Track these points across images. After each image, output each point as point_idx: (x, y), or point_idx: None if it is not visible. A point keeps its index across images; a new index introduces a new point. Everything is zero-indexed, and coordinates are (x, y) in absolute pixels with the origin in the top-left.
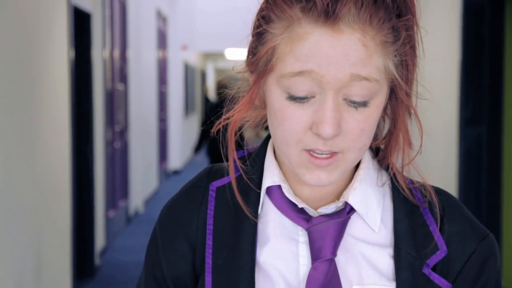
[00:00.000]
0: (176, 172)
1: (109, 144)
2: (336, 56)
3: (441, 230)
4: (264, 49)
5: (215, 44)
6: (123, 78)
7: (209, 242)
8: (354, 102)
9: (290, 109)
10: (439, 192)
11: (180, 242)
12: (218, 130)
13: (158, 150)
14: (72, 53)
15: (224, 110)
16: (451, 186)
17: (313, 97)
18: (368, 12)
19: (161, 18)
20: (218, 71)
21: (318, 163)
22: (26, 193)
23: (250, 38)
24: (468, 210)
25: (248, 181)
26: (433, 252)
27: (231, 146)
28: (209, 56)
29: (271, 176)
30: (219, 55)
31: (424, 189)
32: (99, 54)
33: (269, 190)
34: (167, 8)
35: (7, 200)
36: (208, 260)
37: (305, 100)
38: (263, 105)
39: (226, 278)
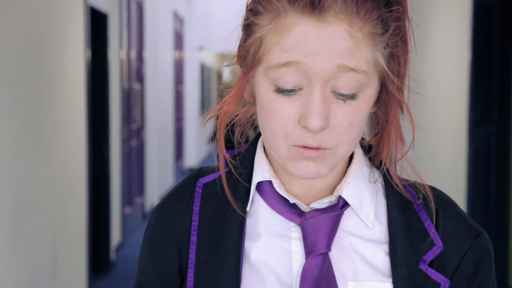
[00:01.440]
0: (191, 170)
1: (125, 142)
2: (323, 47)
3: (436, 226)
4: (251, 40)
5: (231, 45)
6: (140, 78)
7: (194, 238)
8: (342, 95)
9: (277, 101)
10: (433, 189)
11: (167, 245)
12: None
13: (174, 148)
14: (89, 53)
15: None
16: (460, 186)
17: (301, 89)
18: (355, 3)
19: (178, 20)
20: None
21: (307, 154)
22: (43, 189)
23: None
24: (478, 209)
25: (237, 176)
26: (429, 248)
27: (221, 138)
28: (225, 57)
29: (261, 172)
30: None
31: (418, 186)
32: (115, 54)
33: (259, 187)
34: (184, 9)
35: (24, 197)
36: (192, 256)
37: (293, 92)
38: (253, 99)
39: (209, 274)
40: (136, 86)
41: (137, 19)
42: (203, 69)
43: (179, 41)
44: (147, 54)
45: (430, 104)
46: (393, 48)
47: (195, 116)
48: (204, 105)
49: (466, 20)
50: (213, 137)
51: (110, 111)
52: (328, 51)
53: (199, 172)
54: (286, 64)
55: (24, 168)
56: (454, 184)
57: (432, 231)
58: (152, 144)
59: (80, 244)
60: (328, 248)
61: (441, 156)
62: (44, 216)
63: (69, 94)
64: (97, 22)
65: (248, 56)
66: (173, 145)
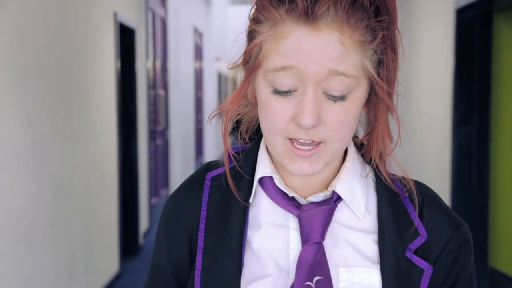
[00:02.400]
0: None
1: (152, 141)
2: (315, 53)
3: (421, 217)
4: (252, 45)
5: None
6: (164, 85)
7: (202, 226)
8: (332, 96)
9: (275, 101)
10: (418, 183)
11: (179, 230)
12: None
13: (195, 146)
14: (119, 64)
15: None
16: (445, 178)
17: (295, 90)
18: (345, 12)
19: (198, 34)
20: None
21: (301, 154)
22: (79, 183)
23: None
24: (461, 199)
25: (240, 170)
26: (415, 237)
27: (225, 134)
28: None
29: (263, 168)
30: None
31: (403, 181)
32: (142, 65)
33: (261, 181)
34: (203, 25)
35: (63, 190)
36: (200, 242)
37: (288, 93)
38: (255, 100)
39: (215, 258)
40: (161, 92)
41: (161, 34)
42: (220, 77)
43: (198, 53)
44: (171, 64)
45: (419, 106)
46: (382, 55)
47: (213, 118)
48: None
49: (450, 31)
50: (233, 131)
51: (138, 114)
52: (320, 56)
53: (208, 166)
54: (282, 68)
55: (64, 165)
56: (440, 176)
57: (417, 222)
58: (176, 143)
59: (113, 230)
60: (322, 237)
61: (428, 151)
62: (81, 206)
63: (102, 100)
64: (126, 36)
65: (250, 60)
66: (194, 143)
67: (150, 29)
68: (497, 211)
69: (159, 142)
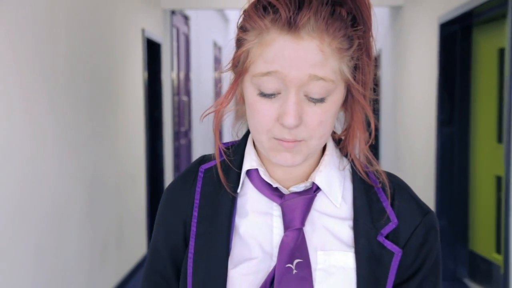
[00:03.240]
0: None
1: (176, 140)
2: (297, 59)
3: (392, 205)
4: (240, 52)
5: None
6: (187, 92)
7: (195, 213)
8: (313, 98)
9: (260, 103)
10: (390, 175)
11: (175, 218)
12: None
13: (214, 145)
14: (146, 75)
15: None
16: (431, 172)
17: (279, 93)
18: (325, 22)
19: (217, 48)
20: None
21: (285, 146)
22: (111, 178)
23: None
24: (444, 189)
25: (230, 164)
26: (386, 223)
27: (217, 133)
28: None
29: (250, 161)
30: None
31: (376, 174)
32: (168, 75)
33: (249, 173)
34: (222, 40)
35: (97, 185)
36: (193, 228)
37: (273, 96)
38: (243, 100)
39: (205, 243)
40: (184, 98)
41: (184, 48)
42: None
43: (218, 64)
44: (193, 74)
45: (408, 109)
46: (358, 61)
47: (230, 121)
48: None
49: (434, 43)
50: None
51: (163, 117)
52: (301, 63)
53: (202, 159)
54: (267, 73)
55: (97, 162)
56: (426, 170)
57: (389, 210)
58: (197, 142)
59: (141, 219)
60: (302, 224)
61: (416, 148)
62: (113, 198)
63: (132, 105)
64: (153, 50)
65: (238, 65)
66: (213, 143)
67: (175, 44)
68: (476, 201)
69: (182, 141)
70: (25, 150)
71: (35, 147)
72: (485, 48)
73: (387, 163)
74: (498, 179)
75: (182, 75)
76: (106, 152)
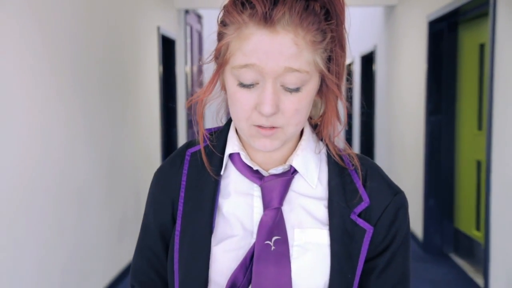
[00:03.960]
0: None
1: (190, 128)
2: (273, 52)
3: (364, 186)
4: (220, 45)
5: None
6: (200, 84)
7: (182, 194)
8: (288, 88)
9: (240, 93)
10: (363, 158)
11: (164, 197)
12: None
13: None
14: (161, 69)
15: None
16: (420, 156)
17: (257, 83)
18: (299, 17)
19: None
20: None
21: (263, 133)
22: (129, 161)
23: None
24: (432, 172)
25: (213, 148)
26: (359, 203)
27: (200, 120)
28: None
29: (232, 145)
30: None
31: (350, 157)
32: (181, 69)
33: (231, 156)
34: None
35: (116, 166)
36: (180, 207)
37: (251, 86)
38: (225, 89)
39: (191, 221)
40: (197, 89)
41: (197, 44)
42: None
43: None
44: (205, 68)
45: (400, 99)
46: (331, 53)
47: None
48: None
49: (424, 40)
50: None
51: (177, 107)
52: (277, 56)
53: (188, 144)
54: (245, 65)
55: (117, 146)
56: (416, 155)
57: (361, 190)
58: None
59: None
60: (281, 204)
61: (407, 135)
62: (130, 179)
63: (148, 96)
64: (168, 46)
65: (219, 56)
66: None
67: (188, 40)
68: (460, 183)
69: (195, 128)
70: (54, 135)
71: (63, 133)
72: (469, 43)
73: (381, 149)
74: (478, 163)
75: (195, 68)
76: (125, 137)
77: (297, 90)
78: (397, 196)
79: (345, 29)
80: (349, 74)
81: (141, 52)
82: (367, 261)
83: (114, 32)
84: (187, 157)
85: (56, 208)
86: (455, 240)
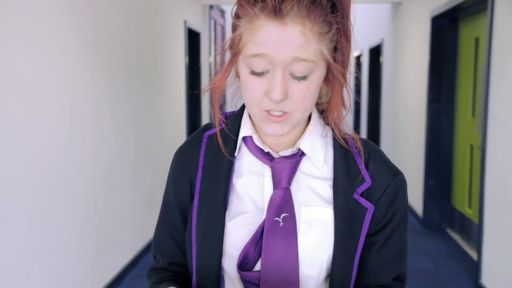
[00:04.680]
0: None
1: (212, 113)
2: (282, 43)
3: (366, 168)
4: (234, 35)
5: None
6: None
7: (199, 173)
8: (296, 76)
9: (252, 80)
10: (366, 141)
11: (183, 176)
12: None
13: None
14: (187, 59)
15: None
16: (421, 140)
17: (268, 72)
18: (307, 10)
19: None
20: None
21: (273, 119)
22: (156, 143)
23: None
24: (432, 155)
25: (228, 131)
26: (361, 183)
27: (216, 105)
28: None
29: (245, 129)
30: None
31: (354, 140)
32: (206, 59)
33: (245, 139)
34: None
35: (145, 148)
36: (197, 186)
37: (262, 74)
38: (239, 77)
39: (208, 198)
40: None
41: (220, 36)
42: None
43: None
44: (226, 58)
45: (404, 89)
46: (337, 43)
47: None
48: None
49: (427, 34)
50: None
51: (201, 94)
52: (285, 46)
53: (206, 127)
54: (257, 55)
55: (146, 130)
56: (418, 139)
57: (364, 171)
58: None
59: None
60: (289, 183)
61: (411, 121)
62: (158, 159)
63: (175, 84)
64: (193, 38)
65: (233, 47)
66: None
67: (212, 33)
68: (456, 165)
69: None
70: (90, 120)
71: (98, 118)
72: (468, 37)
73: (386, 134)
74: (471, 147)
75: (218, 58)
76: (153, 121)
77: (304, 78)
78: (397, 177)
79: (350, 21)
80: (358, 65)
81: (169, 44)
82: (368, 237)
83: (146, 26)
84: (205, 139)
85: (92, 184)
86: (451, 217)
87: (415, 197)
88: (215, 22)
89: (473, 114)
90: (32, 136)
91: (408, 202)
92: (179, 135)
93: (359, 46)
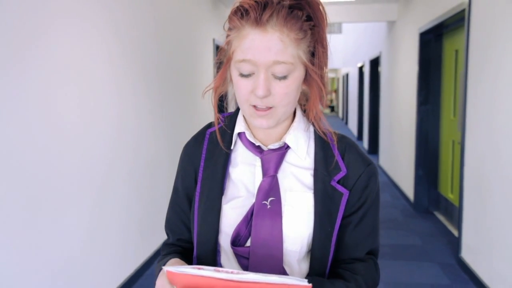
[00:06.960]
0: None
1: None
2: (264, 49)
3: (343, 158)
4: (225, 43)
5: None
6: None
7: (202, 163)
8: (278, 76)
9: (241, 81)
10: (343, 136)
11: (189, 166)
12: None
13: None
14: (215, 71)
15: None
16: (412, 138)
17: (253, 73)
18: (284, 19)
19: None
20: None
21: (259, 113)
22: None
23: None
24: (421, 149)
25: (225, 128)
26: (338, 172)
27: (215, 106)
28: None
29: (239, 126)
30: None
31: (332, 135)
32: None
33: (239, 135)
34: None
35: (179, 146)
36: (200, 174)
37: (249, 76)
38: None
39: (208, 184)
40: None
41: None
42: None
43: None
44: None
45: (398, 94)
46: (314, 48)
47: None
48: None
49: (416, 47)
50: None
51: (228, 100)
52: (267, 51)
53: (209, 125)
54: (243, 60)
55: (179, 130)
56: (409, 136)
57: (340, 162)
58: None
59: None
60: (276, 172)
61: (403, 121)
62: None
63: (201, 92)
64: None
65: (226, 53)
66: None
67: None
68: (441, 158)
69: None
70: (133, 124)
71: (140, 121)
72: (448, 50)
73: (384, 131)
74: (453, 142)
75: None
76: (185, 124)
77: (284, 77)
78: (369, 167)
79: (325, 31)
80: (361, 74)
81: (199, 58)
82: (344, 218)
83: (180, 43)
84: (207, 136)
85: (134, 174)
86: (438, 201)
87: (407, 185)
88: None
89: (454, 114)
90: (84, 135)
91: (399, 190)
92: None
93: (362, 58)
